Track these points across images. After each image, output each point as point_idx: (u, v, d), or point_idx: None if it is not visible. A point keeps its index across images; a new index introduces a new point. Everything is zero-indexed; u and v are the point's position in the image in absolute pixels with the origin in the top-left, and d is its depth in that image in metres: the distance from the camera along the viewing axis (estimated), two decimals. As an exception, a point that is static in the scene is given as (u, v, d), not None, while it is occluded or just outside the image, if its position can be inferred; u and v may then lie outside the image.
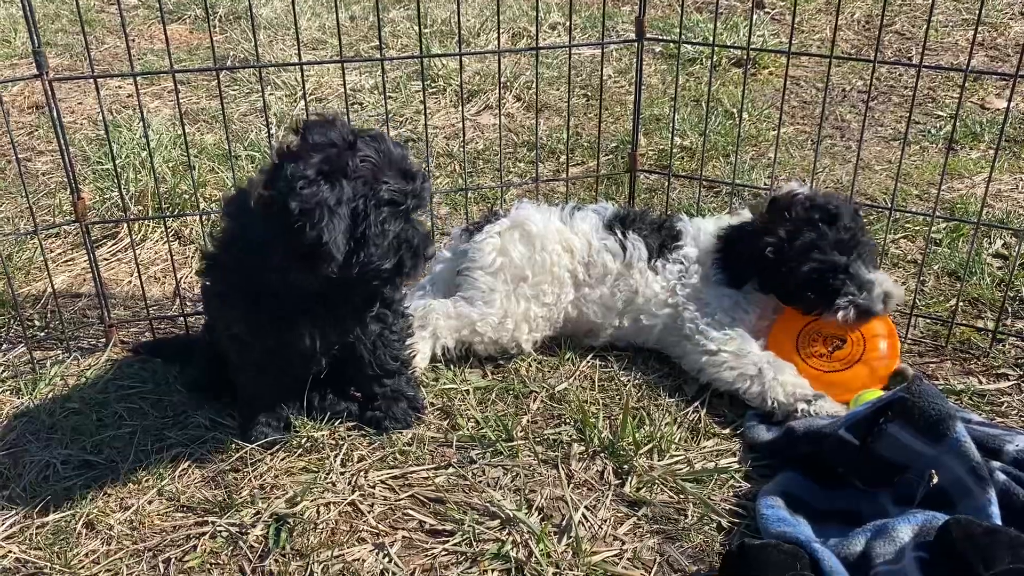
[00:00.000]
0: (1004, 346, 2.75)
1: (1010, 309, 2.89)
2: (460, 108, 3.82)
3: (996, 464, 2.08)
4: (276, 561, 2.05)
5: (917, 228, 3.38)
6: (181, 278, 3.08)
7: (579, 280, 2.75)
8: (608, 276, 2.73)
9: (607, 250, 2.73)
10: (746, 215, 2.72)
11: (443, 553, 2.07)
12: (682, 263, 2.69)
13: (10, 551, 2.11)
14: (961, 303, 2.88)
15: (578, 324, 2.80)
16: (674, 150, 3.85)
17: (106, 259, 3.34)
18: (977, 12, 2.84)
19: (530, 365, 2.72)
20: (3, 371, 2.73)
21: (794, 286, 2.52)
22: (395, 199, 2.05)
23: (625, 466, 2.30)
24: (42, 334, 2.91)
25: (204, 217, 3.06)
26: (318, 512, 2.18)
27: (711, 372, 2.56)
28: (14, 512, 2.22)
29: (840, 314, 2.48)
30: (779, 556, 1.86)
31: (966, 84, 3.09)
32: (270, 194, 1.99)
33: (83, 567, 2.06)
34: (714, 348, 2.55)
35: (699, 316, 2.61)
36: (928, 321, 2.85)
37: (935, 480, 1.99)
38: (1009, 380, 2.61)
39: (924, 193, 3.65)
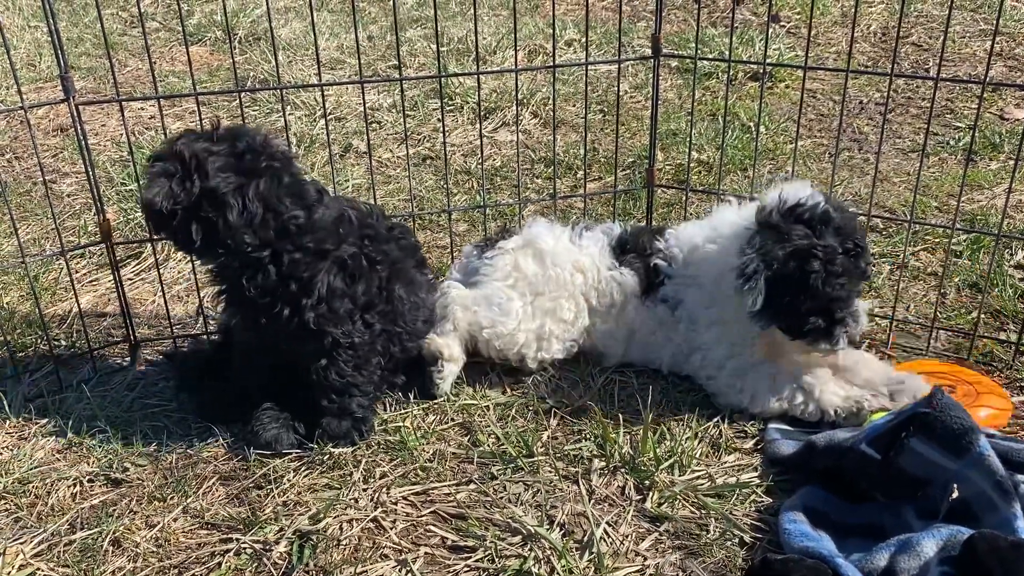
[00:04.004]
0: (1027, 358, 2.73)
1: (1033, 321, 2.87)
2: (478, 125, 3.85)
3: (1020, 478, 2.07)
4: (300, 578, 2.07)
5: (937, 240, 3.37)
6: (204, 297, 3.11)
7: (592, 305, 2.73)
8: (613, 307, 2.71)
9: (615, 280, 2.70)
10: (736, 217, 2.55)
11: (465, 569, 2.08)
12: (666, 301, 2.64)
13: (39, 568, 2.14)
14: (983, 315, 2.86)
15: (589, 351, 2.79)
16: (691, 164, 3.86)
17: (130, 279, 3.39)
18: (995, 22, 2.83)
19: (549, 381, 2.73)
20: (31, 390, 2.78)
21: (813, 311, 2.38)
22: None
23: (646, 481, 2.30)
24: (68, 353, 2.95)
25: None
26: (341, 529, 2.20)
27: (759, 407, 2.51)
28: (42, 530, 2.25)
29: (839, 343, 2.42)
30: (802, 571, 1.86)
31: (984, 95, 3.08)
32: None
33: (110, 584, 2.09)
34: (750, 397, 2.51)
35: (718, 373, 2.57)
36: (950, 334, 2.84)
37: (955, 494, 1.98)
38: (1033, 392, 2.60)
39: (944, 205, 3.64)
